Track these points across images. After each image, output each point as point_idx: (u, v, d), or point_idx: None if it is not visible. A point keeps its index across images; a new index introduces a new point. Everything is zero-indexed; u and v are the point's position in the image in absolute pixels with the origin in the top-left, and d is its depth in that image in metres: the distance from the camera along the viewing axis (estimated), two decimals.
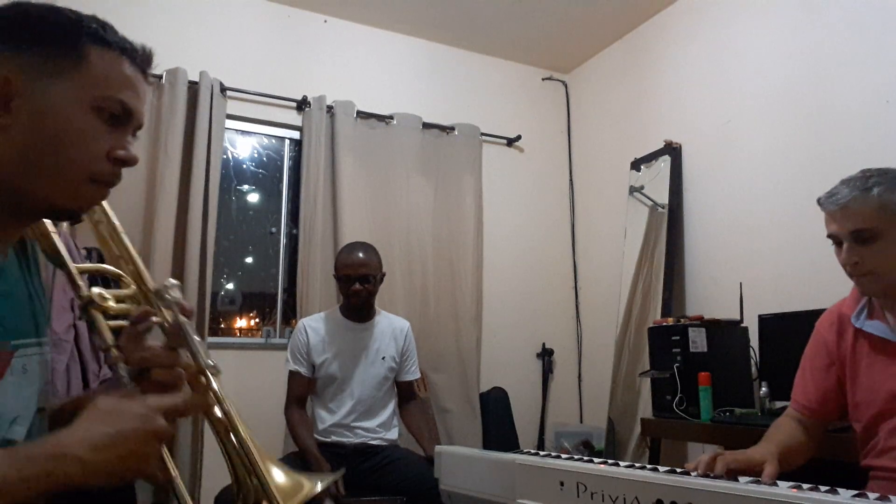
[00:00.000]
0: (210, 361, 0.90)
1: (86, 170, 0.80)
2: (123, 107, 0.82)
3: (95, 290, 0.94)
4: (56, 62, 0.79)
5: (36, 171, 0.78)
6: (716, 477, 1.17)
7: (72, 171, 0.80)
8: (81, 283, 0.96)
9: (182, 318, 0.90)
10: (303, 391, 2.53)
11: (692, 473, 1.15)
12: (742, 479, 1.16)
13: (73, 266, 0.97)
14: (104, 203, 1.00)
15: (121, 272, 1.01)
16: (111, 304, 0.95)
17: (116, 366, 0.89)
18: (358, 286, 2.52)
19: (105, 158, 0.81)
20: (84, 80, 0.80)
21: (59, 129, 0.78)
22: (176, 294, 0.92)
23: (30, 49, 0.79)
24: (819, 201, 1.46)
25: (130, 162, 0.84)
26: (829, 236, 1.44)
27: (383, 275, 2.66)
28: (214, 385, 0.89)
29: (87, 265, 1.04)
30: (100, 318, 0.93)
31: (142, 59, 0.86)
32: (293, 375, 2.53)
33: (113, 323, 0.94)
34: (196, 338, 0.90)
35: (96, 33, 0.82)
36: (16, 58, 0.78)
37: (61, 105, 0.78)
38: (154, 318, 0.92)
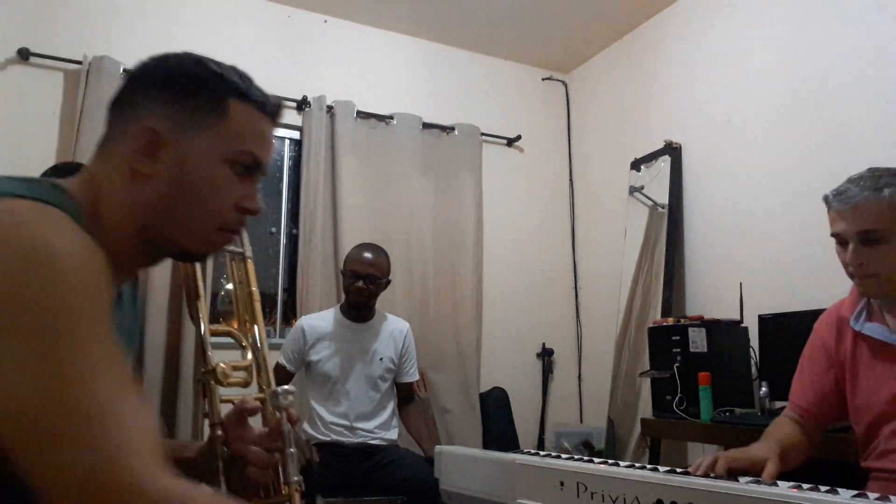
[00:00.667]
0: (295, 478, 0.95)
1: (217, 219, 0.84)
2: (255, 159, 0.86)
3: (222, 364, 1.00)
4: (201, 116, 0.82)
5: (173, 218, 0.82)
6: (717, 477, 1.17)
7: (205, 220, 0.84)
8: (209, 349, 1.01)
9: (287, 426, 0.96)
10: (281, 380, 2.55)
11: (692, 469, 1.15)
12: (742, 479, 1.16)
13: (207, 328, 1.03)
14: (251, 268, 1.11)
15: (244, 341, 1.08)
16: (231, 378, 1.01)
17: (216, 441, 0.94)
18: (362, 284, 2.53)
19: (234, 208, 0.85)
20: (224, 133, 0.83)
21: (197, 181, 0.82)
22: (289, 400, 0.97)
23: (178, 102, 0.82)
24: (826, 199, 1.43)
25: (256, 213, 0.88)
26: (834, 235, 1.42)
27: (388, 281, 2.65)
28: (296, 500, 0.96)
29: (219, 326, 1.09)
30: (216, 391, 0.99)
31: (275, 111, 0.90)
32: (279, 367, 2.57)
33: (224, 394, 1.00)
34: (292, 449, 0.95)
35: (239, 88, 0.86)
36: (164, 110, 0.81)
37: (202, 157, 0.82)
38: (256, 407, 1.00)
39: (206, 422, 0.97)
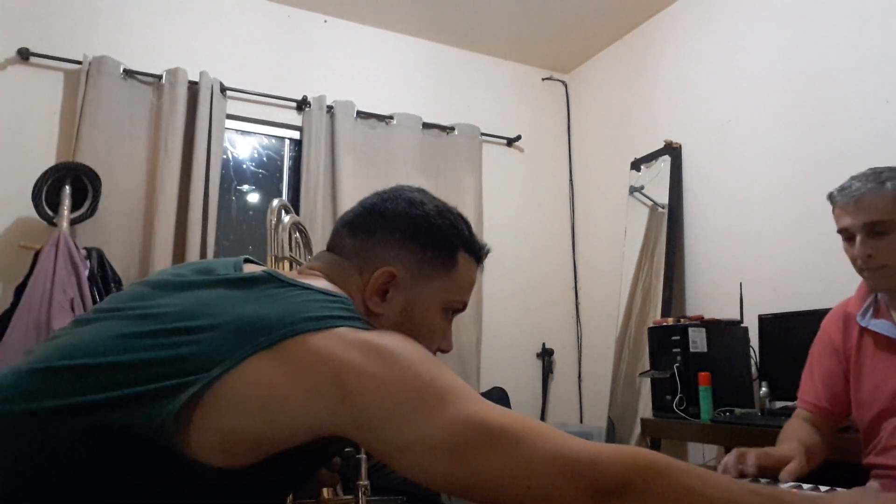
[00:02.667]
0: (363, 482, 1.10)
1: None
2: (464, 305, 0.93)
3: None
4: (435, 267, 0.88)
5: None
6: (747, 474, 1.16)
7: None
8: None
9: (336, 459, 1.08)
10: None
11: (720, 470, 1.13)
12: (742, 479, 1.16)
13: None
14: None
15: None
16: None
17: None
18: None
19: (435, 349, 0.91)
20: (449, 285, 0.89)
21: (418, 324, 0.87)
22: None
23: (419, 252, 0.87)
24: (830, 196, 1.46)
25: (448, 352, 0.94)
26: (841, 230, 1.43)
27: None
28: None
29: None
30: None
31: (482, 257, 0.96)
32: None
33: None
34: (361, 455, 1.11)
35: (465, 240, 0.91)
36: (406, 255, 0.87)
37: (426, 303, 0.87)
38: None
39: None
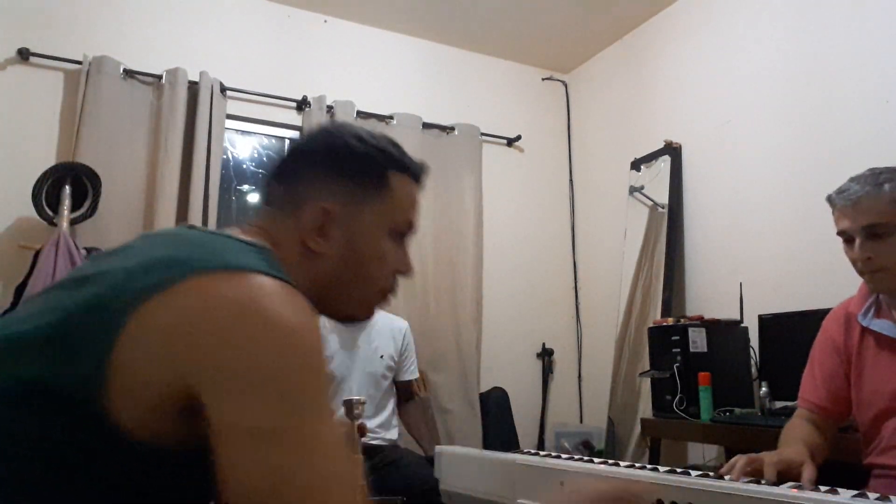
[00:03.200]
0: (362, 482, 1.00)
1: (380, 286, 0.90)
2: (411, 226, 0.92)
3: None
4: (367, 192, 0.87)
5: (342, 290, 0.87)
6: (764, 482, 1.14)
7: (370, 288, 0.89)
8: None
9: (356, 435, 1.06)
10: None
11: (726, 478, 1.12)
12: (742, 478, 1.16)
13: None
14: None
15: None
16: None
17: None
18: None
19: (393, 273, 0.91)
20: (387, 206, 0.88)
21: (366, 255, 0.87)
22: (360, 410, 1.08)
23: (345, 181, 0.86)
24: (829, 199, 1.46)
25: (410, 275, 0.93)
26: (840, 233, 1.43)
27: None
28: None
29: None
30: None
31: (422, 175, 0.96)
32: None
33: None
34: (360, 456, 1.06)
35: (394, 159, 0.91)
36: (334, 189, 0.85)
37: (369, 233, 0.87)
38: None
39: None
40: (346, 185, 0.86)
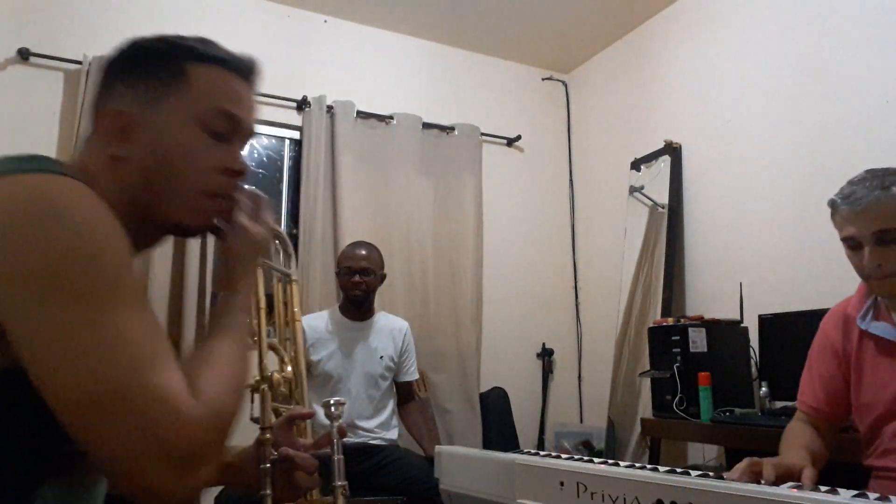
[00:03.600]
0: (340, 482, 1.01)
1: (199, 185, 0.83)
2: (228, 117, 0.84)
3: (277, 374, 1.06)
4: (163, 87, 0.82)
5: (157, 192, 0.81)
6: (764, 482, 1.14)
7: (187, 188, 0.82)
8: (265, 359, 1.07)
9: (336, 435, 1.03)
10: None
11: (724, 475, 1.12)
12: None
13: (266, 342, 1.08)
14: (296, 291, 1.19)
15: (285, 356, 1.14)
16: (282, 390, 1.08)
17: (265, 444, 0.99)
18: (358, 278, 2.54)
19: (217, 172, 0.84)
20: (188, 98, 0.82)
21: (170, 150, 0.81)
22: (340, 410, 1.05)
23: (139, 80, 0.82)
24: (833, 204, 1.42)
25: (242, 174, 0.86)
26: (846, 239, 1.40)
27: (383, 276, 2.67)
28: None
29: (273, 341, 1.15)
30: (269, 397, 1.03)
31: (243, 67, 0.88)
32: None
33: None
34: (340, 456, 1.02)
35: (194, 51, 0.84)
36: (129, 90, 0.82)
37: (170, 126, 0.82)
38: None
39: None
40: (141, 85, 0.82)
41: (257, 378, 1.03)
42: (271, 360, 1.11)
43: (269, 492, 0.95)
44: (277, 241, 1.23)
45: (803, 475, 1.18)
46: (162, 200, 0.82)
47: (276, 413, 1.05)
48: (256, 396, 1.03)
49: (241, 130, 0.86)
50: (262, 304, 1.08)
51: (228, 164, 0.85)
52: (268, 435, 0.99)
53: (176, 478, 0.65)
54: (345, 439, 2.68)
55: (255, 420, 1.01)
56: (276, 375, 1.05)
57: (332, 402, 1.04)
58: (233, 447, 1.02)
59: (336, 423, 1.03)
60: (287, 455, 0.98)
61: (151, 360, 0.66)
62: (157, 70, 0.82)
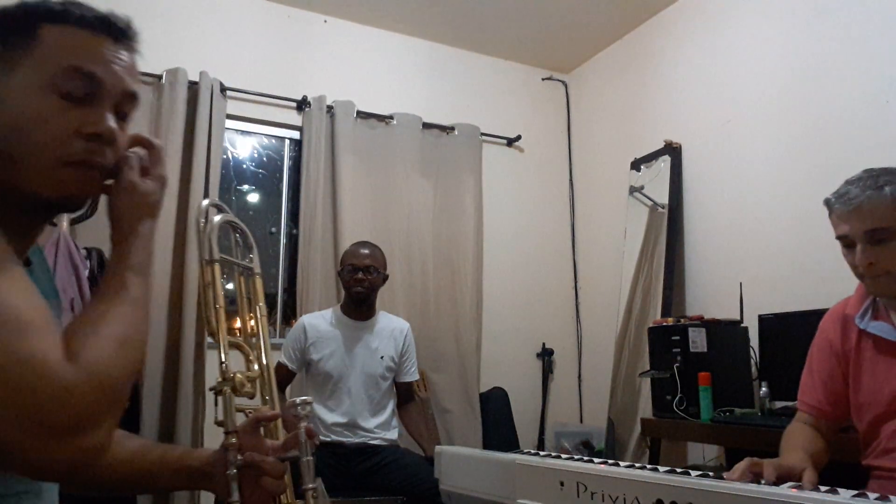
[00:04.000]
0: (311, 485, 0.96)
1: (55, 152, 0.76)
2: (84, 75, 0.78)
3: (239, 374, 1.00)
4: (13, 52, 0.77)
5: (11, 164, 0.76)
6: (764, 482, 1.15)
7: (42, 157, 0.76)
8: (225, 359, 1.01)
9: (304, 436, 0.97)
10: (282, 379, 2.57)
11: (724, 475, 1.12)
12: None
13: (225, 338, 1.03)
14: (259, 284, 1.13)
15: (251, 354, 1.09)
16: (246, 388, 1.02)
17: (229, 449, 0.94)
18: (361, 276, 2.54)
19: (74, 137, 0.77)
20: (38, 60, 0.77)
21: (20, 118, 0.75)
22: (307, 410, 0.99)
23: None
24: (828, 202, 1.43)
25: (104, 135, 0.78)
26: (840, 238, 1.41)
27: (386, 276, 2.67)
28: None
29: (233, 338, 1.10)
30: (232, 399, 0.99)
31: (103, 23, 0.81)
32: (280, 366, 2.57)
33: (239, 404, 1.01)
34: (309, 458, 0.97)
35: (49, 12, 0.79)
36: None
37: (21, 92, 0.76)
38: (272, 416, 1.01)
39: (209, 430, 1.00)
40: None
41: (219, 380, 1.00)
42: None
43: (236, 499, 0.92)
44: (237, 234, 1.16)
45: (804, 477, 1.18)
46: (17, 171, 0.76)
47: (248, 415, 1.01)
48: (222, 400, 0.99)
49: (102, 90, 0.79)
50: (221, 302, 1.03)
51: (85, 127, 0.77)
52: (233, 439, 0.95)
53: (57, 446, 0.63)
54: (345, 440, 2.67)
55: (219, 424, 0.97)
56: (239, 376, 1.00)
57: (298, 401, 0.99)
58: (202, 451, 0.99)
59: (304, 425, 0.98)
60: (252, 460, 0.94)
61: (23, 326, 0.64)
62: (8, 35, 0.77)
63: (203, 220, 1.09)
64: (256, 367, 1.08)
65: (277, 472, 0.95)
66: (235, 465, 0.93)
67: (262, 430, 1.01)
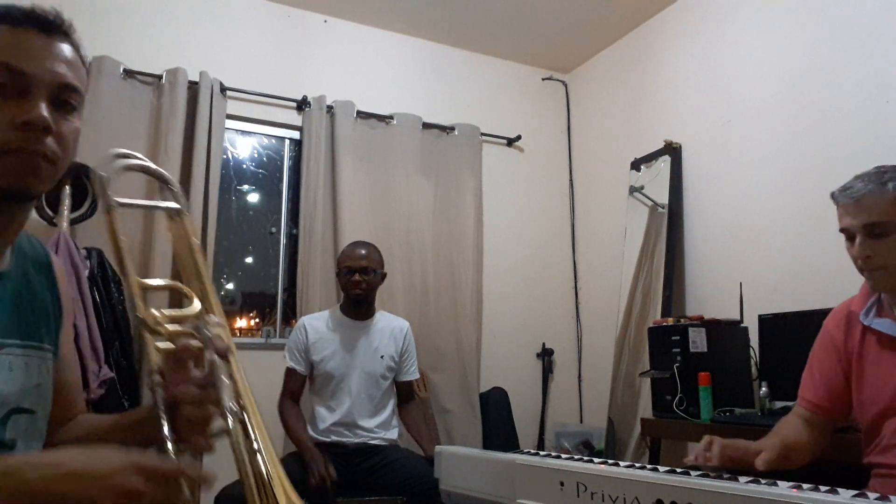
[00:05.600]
0: (231, 405, 0.86)
1: None
2: (10, 70, 0.81)
3: (153, 312, 0.94)
4: None
5: None
6: (712, 469, 1.18)
7: None
8: (139, 300, 0.96)
9: (214, 357, 0.89)
10: (297, 388, 2.57)
11: (689, 459, 1.15)
12: (742, 478, 1.16)
13: (134, 280, 0.97)
14: (186, 222, 1.04)
15: (186, 291, 1.01)
16: (165, 327, 0.94)
17: (155, 391, 0.89)
18: (358, 277, 2.54)
19: (9, 128, 0.80)
20: None
21: None
22: (214, 331, 0.91)
23: None
24: (833, 195, 1.46)
25: (35, 122, 0.81)
26: (842, 230, 1.44)
27: (384, 275, 2.67)
28: (247, 420, 0.86)
29: (156, 282, 1.06)
30: (150, 340, 0.93)
31: (28, 17, 0.84)
32: (290, 372, 2.56)
33: (163, 345, 0.92)
34: (225, 379, 0.88)
35: None
36: None
37: None
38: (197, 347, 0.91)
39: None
40: None
41: (136, 321, 0.94)
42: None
43: (166, 434, 0.86)
44: (159, 180, 1.12)
45: (759, 457, 1.23)
46: None
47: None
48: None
49: (33, 82, 0.82)
50: (123, 244, 1.00)
51: (18, 117, 0.81)
52: (156, 377, 0.89)
53: None
54: (345, 440, 2.67)
55: (149, 373, 0.92)
56: (154, 313, 0.93)
57: (201, 321, 0.92)
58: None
59: (211, 344, 0.89)
60: (171, 394, 0.89)
61: None
62: None
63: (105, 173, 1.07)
64: (197, 304, 1.00)
65: (193, 399, 0.89)
66: (164, 405, 0.88)
67: (190, 363, 0.92)
